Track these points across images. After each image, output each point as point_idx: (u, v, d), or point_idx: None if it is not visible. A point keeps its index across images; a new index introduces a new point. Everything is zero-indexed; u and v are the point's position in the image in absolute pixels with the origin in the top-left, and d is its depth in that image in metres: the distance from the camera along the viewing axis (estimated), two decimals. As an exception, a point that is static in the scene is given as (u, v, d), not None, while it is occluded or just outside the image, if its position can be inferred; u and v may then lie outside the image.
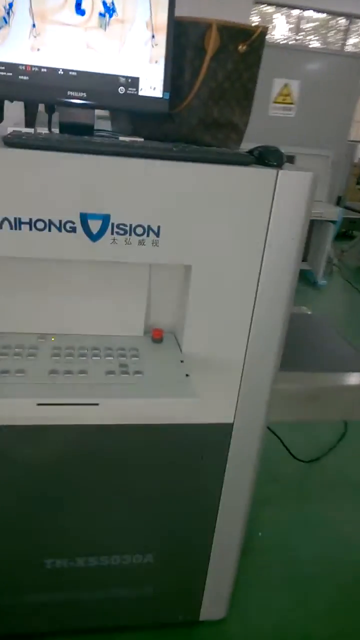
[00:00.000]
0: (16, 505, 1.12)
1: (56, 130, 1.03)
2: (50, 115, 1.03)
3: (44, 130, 1.03)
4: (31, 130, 0.97)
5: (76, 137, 0.91)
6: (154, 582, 1.29)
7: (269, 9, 7.30)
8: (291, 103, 4.13)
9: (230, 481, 1.18)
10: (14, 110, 1.10)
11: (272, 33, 7.37)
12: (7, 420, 1.00)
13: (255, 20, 7.11)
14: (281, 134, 3.85)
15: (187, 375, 0.94)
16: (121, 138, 1.01)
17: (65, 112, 1.01)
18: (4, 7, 0.90)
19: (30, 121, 1.10)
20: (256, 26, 1.00)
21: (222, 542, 1.26)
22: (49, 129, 1.05)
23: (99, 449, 1.08)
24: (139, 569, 1.25)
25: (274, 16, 7.44)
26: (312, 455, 2.19)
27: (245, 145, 1.09)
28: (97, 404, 0.83)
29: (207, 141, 1.07)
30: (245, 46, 1.00)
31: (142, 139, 1.02)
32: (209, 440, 1.12)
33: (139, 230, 0.89)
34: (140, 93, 0.97)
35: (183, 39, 0.98)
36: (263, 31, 1.01)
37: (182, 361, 0.98)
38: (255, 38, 1.00)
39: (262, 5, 7.16)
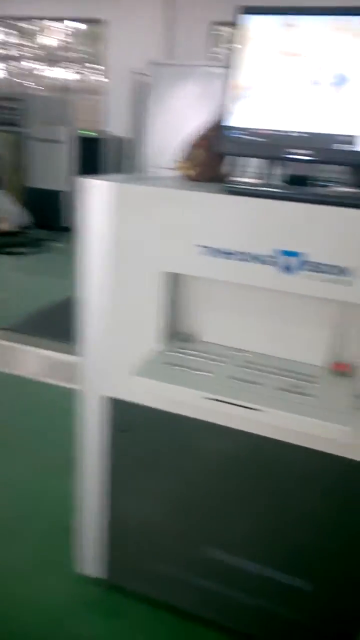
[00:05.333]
0: (184, 488, 1.31)
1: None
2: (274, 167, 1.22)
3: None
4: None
5: (280, 185, 1.08)
6: (305, 609, 1.31)
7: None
8: None
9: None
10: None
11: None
12: (181, 408, 1.19)
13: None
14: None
15: (358, 409, 0.99)
16: (335, 188, 1.13)
17: (289, 166, 1.18)
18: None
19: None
20: None
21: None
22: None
23: (257, 458, 1.18)
24: (291, 592, 1.29)
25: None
26: None
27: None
28: (258, 410, 0.96)
29: None
30: None
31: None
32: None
33: (333, 270, 1.00)
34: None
35: None
36: None
37: (357, 396, 1.03)
38: None
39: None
